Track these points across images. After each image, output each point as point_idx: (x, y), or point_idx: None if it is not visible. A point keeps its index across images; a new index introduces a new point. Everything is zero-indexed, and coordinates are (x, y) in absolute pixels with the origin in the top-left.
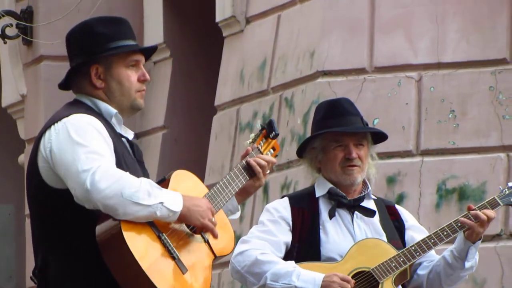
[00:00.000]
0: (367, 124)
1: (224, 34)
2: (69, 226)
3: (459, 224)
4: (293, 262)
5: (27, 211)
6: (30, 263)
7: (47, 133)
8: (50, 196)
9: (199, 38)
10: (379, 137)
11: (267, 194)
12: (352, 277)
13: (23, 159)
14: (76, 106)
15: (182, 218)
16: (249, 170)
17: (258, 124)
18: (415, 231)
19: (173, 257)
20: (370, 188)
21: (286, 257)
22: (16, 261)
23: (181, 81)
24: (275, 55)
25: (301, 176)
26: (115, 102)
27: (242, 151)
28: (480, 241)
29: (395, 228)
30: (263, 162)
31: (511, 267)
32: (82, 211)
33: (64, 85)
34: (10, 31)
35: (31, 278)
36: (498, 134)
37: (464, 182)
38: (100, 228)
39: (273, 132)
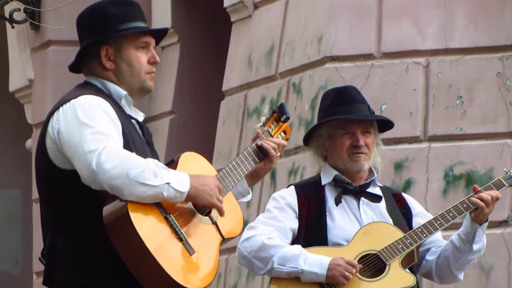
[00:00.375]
0: (373, 112)
1: (232, 19)
2: (76, 207)
3: (465, 206)
4: (299, 246)
5: (34, 196)
6: (37, 247)
7: (55, 114)
8: (58, 177)
9: (207, 23)
10: (385, 125)
11: (275, 179)
12: (359, 259)
13: (31, 143)
14: (86, 88)
15: (190, 198)
16: (259, 153)
17: (266, 109)
18: (423, 218)
19: (181, 239)
20: (376, 175)
21: (293, 244)
22: (23, 246)
23: (189, 66)
24: (283, 40)
25: (309, 162)
26: (125, 84)
27: (250, 136)
28: (487, 223)
29: (402, 215)
30: (273, 145)
31: None
32: (90, 192)
33: (74, 68)
34: (18, 16)
35: (39, 259)
36: (505, 120)
37: (471, 168)
38: (107, 209)
39: (284, 116)
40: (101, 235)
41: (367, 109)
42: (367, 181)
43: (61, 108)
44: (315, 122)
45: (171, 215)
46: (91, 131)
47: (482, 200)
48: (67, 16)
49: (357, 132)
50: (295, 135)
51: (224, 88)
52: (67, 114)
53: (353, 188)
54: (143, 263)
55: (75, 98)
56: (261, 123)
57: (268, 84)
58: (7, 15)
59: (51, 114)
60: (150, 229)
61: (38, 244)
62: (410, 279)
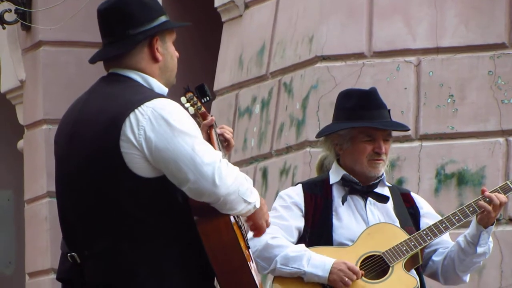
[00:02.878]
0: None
1: (223, 19)
2: (156, 216)
3: (471, 209)
4: (303, 245)
5: (26, 197)
6: (29, 248)
7: (132, 118)
8: (135, 184)
9: (197, 23)
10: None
11: (266, 179)
12: (363, 261)
13: (22, 144)
14: (131, 85)
15: (250, 215)
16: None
17: (257, 109)
18: (430, 219)
19: (248, 247)
20: (384, 175)
21: (298, 243)
22: (16, 247)
23: (180, 66)
24: (274, 40)
25: (300, 161)
26: (165, 78)
27: (241, 136)
28: (493, 226)
29: (409, 215)
30: (231, 134)
31: (510, 251)
32: (171, 201)
33: (97, 58)
34: (8, 17)
35: (70, 256)
36: (497, 118)
37: (463, 166)
38: (202, 217)
39: (207, 97)
40: (184, 244)
41: (389, 115)
42: (375, 181)
43: (137, 112)
44: (306, 121)
45: (240, 223)
46: (197, 141)
47: (491, 202)
48: (58, 17)
49: (380, 139)
50: (286, 134)
51: (215, 88)
52: (152, 120)
53: (360, 188)
54: (237, 276)
55: (148, 101)
56: (195, 107)
57: (259, 84)
58: None
59: (121, 116)
60: (240, 239)
61: (30, 244)
62: (413, 282)
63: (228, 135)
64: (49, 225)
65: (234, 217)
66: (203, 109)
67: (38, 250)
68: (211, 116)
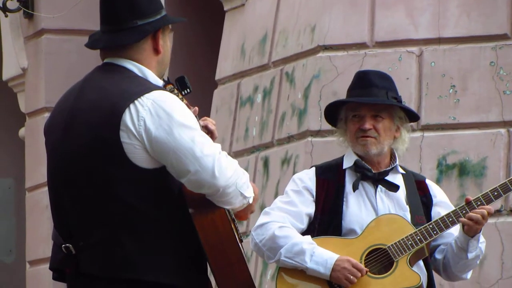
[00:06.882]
0: (399, 100)
1: (225, 8)
2: (153, 207)
3: (479, 203)
4: (309, 237)
5: (27, 185)
6: (30, 236)
7: (132, 109)
8: (134, 174)
9: (200, 11)
10: (413, 115)
11: (268, 168)
12: (368, 254)
13: (24, 132)
14: (128, 76)
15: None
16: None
17: (258, 98)
18: (443, 207)
19: (241, 240)
20: (397, 161)
21: (308, 228)
22: (16, 235)
23: (182, 55)
24: (276, 29)
25: (302, 151)
26: (159, 71)
27: (243, 125)
28: (480, 233)
29: (422, 203)
30: (214, 126)
31: (510, 243)
32: (169, 193)
33: (96, 45)
34: (11, 4)
35: (65, 247)
36: (498, 109)
37: (465, 157)
38: (199, 210)
39: (188, 89)
40: (180, 237)
41: (385, 95)
42: (387, 168)
43: (136, 103)
44: (308, 111)
45: (232, 217)
46: (197, 133)
47: (471, 220)
48: (60, 5)
49: (366, 116)
50: (288, 124)
51: (217, 77)
52: (152, 112)
53: (371, 175)
54: (233, 269)
55: (147, 92)
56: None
57: (261, 73)
58: (0, 4)
59: (120, 108)
60: (235, 232)
61: (31, 232)
62: (416, 279)
63: (212, 127)
64: (50, 213)
65: (227, 210)
66: (184, 101)
67: (39, 239)
68: (194, 107)
